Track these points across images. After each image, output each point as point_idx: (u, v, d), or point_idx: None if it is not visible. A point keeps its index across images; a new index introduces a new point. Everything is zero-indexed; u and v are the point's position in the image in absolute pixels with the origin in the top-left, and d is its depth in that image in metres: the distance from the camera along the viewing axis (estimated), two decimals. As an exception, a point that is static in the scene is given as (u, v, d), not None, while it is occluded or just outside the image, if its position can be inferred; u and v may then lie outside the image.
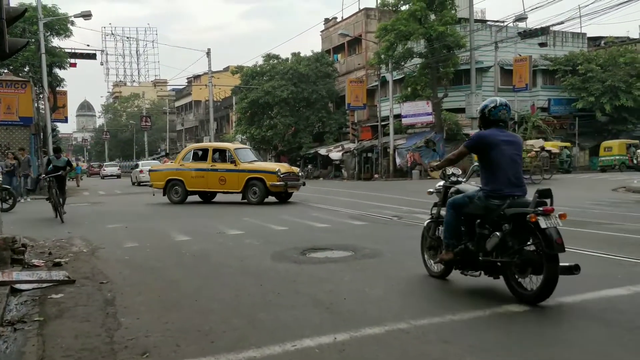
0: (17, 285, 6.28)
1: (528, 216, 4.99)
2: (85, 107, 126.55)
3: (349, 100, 42.36)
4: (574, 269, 5.03)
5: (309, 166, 45.02)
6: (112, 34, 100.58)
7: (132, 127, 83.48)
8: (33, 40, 28.30)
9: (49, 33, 31.87)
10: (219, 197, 18.96)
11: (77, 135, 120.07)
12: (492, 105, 5.56)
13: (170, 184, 18.50)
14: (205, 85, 48.29)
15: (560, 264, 5.00)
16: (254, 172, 17.35)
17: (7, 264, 7.26)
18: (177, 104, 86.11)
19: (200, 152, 18.87)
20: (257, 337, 4.42)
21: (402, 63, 36.00)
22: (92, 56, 32.58)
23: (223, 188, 17.87)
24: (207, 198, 18.96)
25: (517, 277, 5.24)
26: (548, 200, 5.13)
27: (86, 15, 29.51)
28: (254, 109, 46.62)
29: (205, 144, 22.97)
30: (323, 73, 45.91)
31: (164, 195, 18.65)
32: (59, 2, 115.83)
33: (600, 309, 4.95)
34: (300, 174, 18.54)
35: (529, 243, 5.14)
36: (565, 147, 34.55)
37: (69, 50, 32.57)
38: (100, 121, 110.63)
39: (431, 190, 6.60)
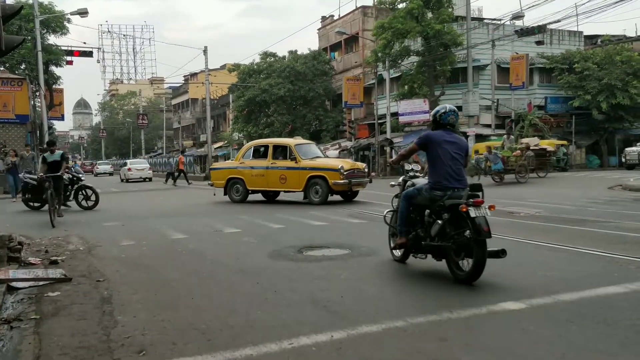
0: (14, 284, 6.27)
1: (460, 206, 5.77)
2: (82, 105, 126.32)
3: (345, 98, 42.36)
4: (500, 253, 5.80)
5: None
6: (109, 31, 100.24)
7: (128, 125, 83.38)
8: (29, 37, 28.26)
9: (45, 30, 31.83)
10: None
11: (74, 133, 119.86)
12: (443, 110, 6.40)
13: (230, 182, 17.67)
14: (202, 83, 48.20)
15: (489, 248, 5.77)
16: (315, 170, 16.04)
17: (3, 262, 7.24)
18: (174, 101, 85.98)
19: (261, 149, 17.58)
20: (254, 335, 4.42)
21: (399, 61, 36.00)
22: (88, 54, 32.49)
23: (284, 187, 16.81)
24: (270, 197, 17.95)
25: (455, 259, 5.98)
26: (480, 194, 5.98)
27: (82, 13, 29.44)
28: (251, 107, 46.58)
29: (265, 140, 21.66)
30: (320, 71, 45.88)
31: (224, 194, 17.82)
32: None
33: (598, 307, 4.95)
34: (365, 170, 17.24)
35: (462, 230, 5.84)
36: (562, 145, 34.57)
37: (66, 48, 32.55)
38: (96, 119, 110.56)
39: (393, 183, 7.45)
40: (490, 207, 5.87)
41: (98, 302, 5.65)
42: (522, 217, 11.70)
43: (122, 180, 40.46)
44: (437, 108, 6.54)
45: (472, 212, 5.69)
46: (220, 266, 7.39)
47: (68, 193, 15.89)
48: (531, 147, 24.83)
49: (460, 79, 37.52)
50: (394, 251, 7.19)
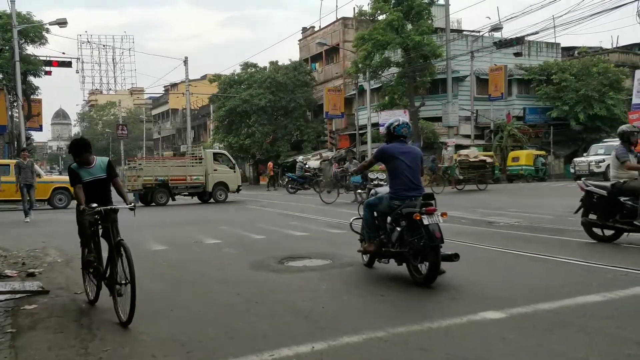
0: (-11, 297, 6.15)
1: (413, 215, 6.14)
2: (61, 116, 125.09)
3: (327, 109, 42.47)
4: (453, 257, 6.16)
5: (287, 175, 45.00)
6: (88, 41, 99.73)
7: (108, 135, 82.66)
8: (7, 47, 27.99)
9: (23, 40, 31.55)
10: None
11: (52, 144, 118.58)
12: (396, 123, 6.80)
13: None
14: (183, 93, 48.11)
15: (443, 252, 6.11)
16: None
17: (-22, 274, 7.11)
18: (154, 112, 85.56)
19: None
20: (235, 347, 4.38)
21: (380, 72, 36.20)
22: (67, 64, 32.23)
23: None
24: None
25: (414, 263, 6.33)
26: (433, 202, 6.31)
27: (61, 23, 29.21)
28: (232, 117, 46.52)
29: None
30: (301, 82, 46.01)
31: None
32: (33, 9, 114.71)
33: (577, 316, 4.99)
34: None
35: (418, 236, 6.16)
36: (540, 155, 34.99)
37: (44, 58, 32.23)
38: (75, 129, 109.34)
39: (359, 191, 8.06)
40: (442, 215, 6.24)
41: (76, 314, 5.57)
42: (502, 226, 11.78)
43: None
44: (390, 121, 6.95)
45: (425, 220, 6.08)
46: (201, 277, 7.33)
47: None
48: (470, 159, 24.82)
49: (440, 89, 37.84)
50: (363, 256, 7.51)
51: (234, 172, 25.16)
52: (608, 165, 28.99)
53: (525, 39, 33.91)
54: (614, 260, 7.33)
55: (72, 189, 6.08)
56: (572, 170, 31.37)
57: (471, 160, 24.78)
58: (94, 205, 5.47)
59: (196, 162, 24.79)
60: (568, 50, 46.65)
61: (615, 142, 32.40)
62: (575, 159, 31.91)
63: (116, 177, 5.95)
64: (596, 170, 29.34)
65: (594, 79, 37.13)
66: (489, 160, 26.58)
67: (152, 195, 22.91)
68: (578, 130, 38.29)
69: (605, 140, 32.17)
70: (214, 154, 25.63)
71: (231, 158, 26.58)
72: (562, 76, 37.65)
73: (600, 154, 30.04)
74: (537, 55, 42.21)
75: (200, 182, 23.78)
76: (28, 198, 15.46)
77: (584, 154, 32.06)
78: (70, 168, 5.78)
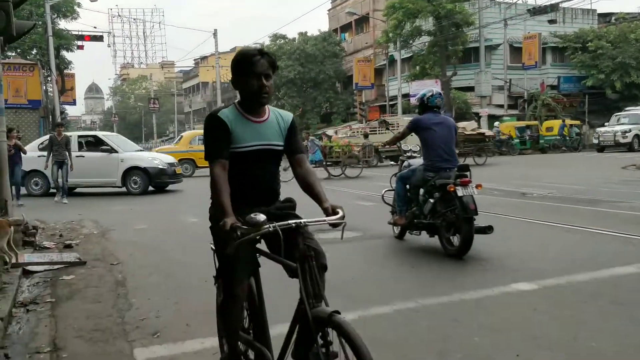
0: (29, 267, 6.34)
1: (448, 186, 6.07)
2: (94, 90, 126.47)
3: (356, 80, 42.18)
4: (487, 229, 6.10)
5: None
6: (119, 15, 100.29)
7: (140, 109, 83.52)
8: (40, 22, 28.28)
9: (55, 15, 31.83)
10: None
11: (86, 117, 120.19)
12: (430, 94, 6.72)
13: None
14: (213, 66, 48.16)
15: (477, 225, 6.04)
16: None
17: (18, 246, 7.32)
18: (185, 85, 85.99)
19: None
20: (267, 315, 4.44)
21: (411, 41, 35.76)
22: (99, 38, 32.54)
23: None
24: None
25: (446, 235, 6.29)
26: (468, 174, 6.27)
27: (92, -2, 29.41)
28: (261, 89, 46.47)
29: None
30: (330, 53, 45.63)
31: None
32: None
33: (611, 287, 4.94)
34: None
35: (452, 208, 6.12)
36: (573, 125, 34.18)
37: (76, 33, 32.54)
38: (108, 103, 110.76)
39: (392, 162, 7.74)
40: (477, 186, 6.19)
41: (112, 285, 5.71)
42: (535, 197, 11.64)
43: None
44: (423, 91, 6.91)
45: (460, 192, 6.02)
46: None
47: None
48: (466, 133, 23.53)
49: (473, 59, 37.22)
50: (394, 227, 7.45)
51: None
52: (635, 135, 28.15)
53: (560, 5, 33.01)
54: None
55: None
56: (595, 141, 29.96)
57: (467, 133, 23.57)
58: (260, 218, 2.52)
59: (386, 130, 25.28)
60: (605, 17, 45.24)
61: (639, 110, 30.68)
62: (598, 129, 30.59)
63: (302, 154, 3.14)
64: (622, 140, 28.16)
65: (631, 45, 36.03)
66: (488, 133, 25.70)
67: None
68: (614, 99, 37.31)
69: (627, 108, 31.07)
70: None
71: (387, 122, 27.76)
72: (599, 43, 36.60)
73: (625, 123, 28.88)
74: (572, 22, 41.05)
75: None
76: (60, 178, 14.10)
77: (605, 124, 30.87)
78: (213, 116, 2.84)
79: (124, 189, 15.57)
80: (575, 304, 4.53)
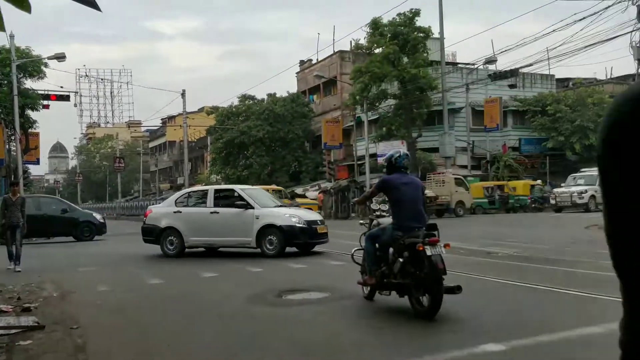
0: (-16, 332, 6.08)
1: (417, 246, 6.06)
2: (58, 149, 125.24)
3: (325, 140, 42.70)
4: (455, 289, 6.08)
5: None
6: (87, 75, 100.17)
7: (105, 168, 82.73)
8: (5, 82, 28.16)
9: (22, 75, 31.71)
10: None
11: (49, 177, 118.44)
12: (397, 155, 6.89)
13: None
14: (180, 125, 48.24)
15: (446, 285, 6.00)
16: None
17: (-27, 310, 7.05)
18: (151, 144, 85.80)
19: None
20: None
21: (377, 104, 36.54)
22: (65, 98, 32.41)
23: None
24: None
25: (416, 295, 6.24)
26: (436, 233, 6.31)
27: (60, 57, 29.42)
28: (229, 149, 46.66)
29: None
30: (299, 113, 46.26)
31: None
32: (32, 44, 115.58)
33: (578, 349, 4.95)
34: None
35: (421, 267, 6.09)
36: (536, 185, 34.94)
37: (42, 92, 32.39)
38: (72, 163, 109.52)
39: (361, 222, 7.87)
40: (445, 246, 6.24)
41: (72, 350, 5.49)
42: (500, 257, 11.74)
43: None
44: (391, 152, 7.08)
45: (428, 251, 6.00)
46: (198, 312, 7.26)
47: None
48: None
49: (437, 121, 38.11)
50: (363, 288, 7.37)
51: (468, 192, 31.28)
52: (591, 196, 28.80)
53: (520, 70, 34.27)
54: (613, 291, 7.27)
55: None
56: (552, 202, 30.76)
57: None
58: None
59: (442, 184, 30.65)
60: (563, 82, 47.11)
61: (594, 171, 31.85)
62: (555, 190, 31.43)
63: None
64: (579, 201, 28.77)
65: (589, 109, 37.46)
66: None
67: None
68: (574, 161, 38.47)
69: (583, 169, 31.96)
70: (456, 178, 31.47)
71: (465, 181, 31.96)
72: (557, 107, 38.00)
73: (582, 184, 29.58)
74: (531, 86, 42.63)
75: (445, 201, 29.52)
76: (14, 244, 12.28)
77: (562, 185, 31.67)
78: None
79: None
80: (544, 365, 4.51)
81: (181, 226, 13.81)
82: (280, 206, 14.91)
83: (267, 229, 13.34)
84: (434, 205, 27.29)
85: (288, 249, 13.38)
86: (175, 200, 14.86)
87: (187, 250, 13.94)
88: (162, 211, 14.72)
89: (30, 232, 16.82)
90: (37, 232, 21.40)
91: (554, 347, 5.00)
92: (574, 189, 29.31)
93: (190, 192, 15.97)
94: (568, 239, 15.24)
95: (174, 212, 14.11)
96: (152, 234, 14.44)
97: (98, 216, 23.11)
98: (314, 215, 14.78)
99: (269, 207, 13.95)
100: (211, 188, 15.23)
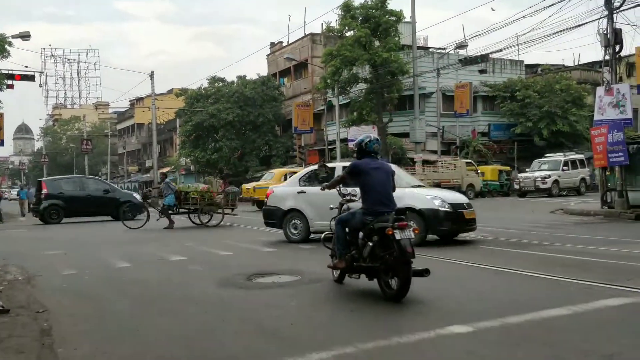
0: (-54, 317, 5.95)
1: (386, 230, 6.12)
2: (23, 130, 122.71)
3: (295, 124, 42.56)
4: (424, 272, 6.18)
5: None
6: (52, 55, 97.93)
7: (72, 150, 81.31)
8: (-32, 60, 27.36)
9: (-15, 54, 30.84)
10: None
11: (14, 158, 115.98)
12: (367, 140, 6.88)
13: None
14: (149, 107, 47.59)
15: (414, 268, 6.08)
16: None
17: None
18: (119, 126, 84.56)
19: None
20: None
21: (348, 88, 36.47)
22: (30, 78, 31.59)
23: None
24: None
25: (385, 279, 6.32)
26: (405, 217, 6.39)
27: (25, 36, 28.68)
28: (199, 132, 46.19)
29: None
30: (269, 96, 45.95)
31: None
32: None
33: (543, 330, 5.04)
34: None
35: (390, 251, 6.15)
36: (503, 170, 35.53)
37: (7, 72, 31.56)
38: (38, 144, 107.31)
39: (332, 206, 7.73)
40: (414, 230, 6.36)
41: (37, 334, 5.41)
42: (468, 241, 11.89)
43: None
44: (361, 137, 7.04)
45: (397, 235, 6.07)
46: (166, 295, 7.21)
47: None
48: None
49: (407, 106, 38.24)
50: (333, 271, 7.42)
51: (478, 175, 32.60)
52: (555, 181, 29.47)
53: (490, 56, 34.51)
54: (577, 274, 7.45)
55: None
56: (516, 187, 31.47)
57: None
58: None
59: (453, 168, 32.03)
60: (531, 68, 47.69)
61: (558, 156, 32.77)
62: (520, 175, 32.11)
63: None
64: (542, 186, 29.44)
65: (556, 95, 37.99)
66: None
67: None
68: (542, 146, 39.08)
69: (547, 155, 32.58)
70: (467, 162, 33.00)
71: (475, 165, 33.54)
72: (526, 93, 38.45)
73: (545, 169, 30.20)
74: (501, 72, 43.05)
75: (457, 184, 29.91)
76: None
77: (526, 170, 32.36)
78: None
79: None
80: (509, 347, 4.60)
81: (306, 208, 12.20)
82: (419, 186, 12.46)
83: (406, 213, 10.37)
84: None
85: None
86: (300, 179, 12.95)
87: (311, 236, 12.20)
88: (284, 191, 13.13)
89: (74, 212, 16.84)
90: (81, 213, 21.34)
91: (519, 328, 5.09)
92: (537, 173, 29.86)
93: (315, 168, 13.03)
94: (534, 223, 15.54)
95: (298, 192, 12.45)
96: (273, 216, 12.88)
97: (137, 196, 23.48)
98: (459, 197, 12.30)
99: (403, 188, 10.71)
100: (339, 164, 12.77)
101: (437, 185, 28.77)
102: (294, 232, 12.47)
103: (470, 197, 29.35)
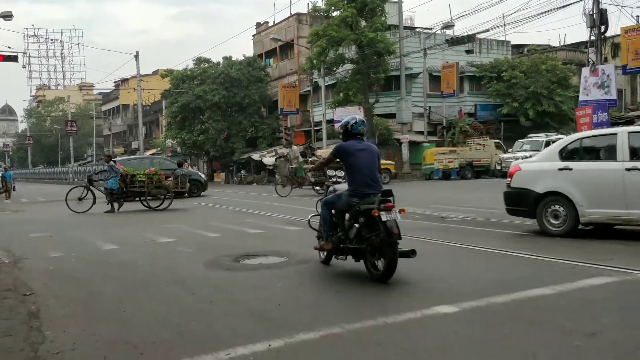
0: None
1: (372, 211, 6.17)
2: (7, 112, 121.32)
3: (281, 105, 42.42)
4: (410, 253, 6.25)
5: (242, 172, 44.59)
6: (35, 35, 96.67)
7: (56, 132, 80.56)
8: (-52, 40, 26.88)
9: (-34, 33, 30.34)
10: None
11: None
12: (353, 121, 6.85)
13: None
14: (134, 88, 47.17)
15: (400, 249, 6.17)
16: None
17: None
18: (104, 108, 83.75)
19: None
20: (189, 347, 4.33)
21: (334, 69, 36.34)
22: (13, 58, 31.14)
23: None
24: None
25: (371, 260, 6.38)
26: (391, 199, 6.42)
27: (7, 16, 28.24)
28: (185, 113, 45.87)
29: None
30: (255, 77, 45.64)
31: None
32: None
33: (528, 309, 5.12)
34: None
35: (376, 232, 6.19)
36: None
37: (-12, 52, 31.10)
38: (22, 126, 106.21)
39: (317, 188, 7.70)
40: (400, 211, 6.34)
41: (25, 317, 5.41)
42: (454, 221, 11.98)
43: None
44: (346, 119, 7.01)
45: (384, 216, 6.12)
46: (154, 277, 7.22)
47: None
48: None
49: (394, 86, 38.23)
50: (320, 253, 7.47)
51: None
52: None
53: (477, 36, 34.55)
54: (561, 254, 7.55)
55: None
56: (498, 167, 31.41)
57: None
58: None
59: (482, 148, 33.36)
60: (518, 48, 47.73)
61: (540, 137, 32.95)
62: (501, 155, 32.07)
63: None
64: None
65: (542, 76, 38.11)
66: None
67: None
68: (528, 127, 39.24)
69: (530, 135, 32.62)
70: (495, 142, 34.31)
71: (502, 145, 34.82)
72: (512, 73, 38.53)
73: (527, 150, 30.20)
74: (488, 52, 43.05)
75: (487, 163, 32.53)
76: None
77: (509, 150, 32.41)
78: None
79: None
80: (494, 327, 4.66)
81: (573, 191, 9.10)
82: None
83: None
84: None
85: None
86: (561, 151, 9.65)
87: (580, 227, 9.36)
88: (537, 168, 9.91)
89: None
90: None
91: (504, 307, 5.16)
92: (519, 154, 29.81)
93: (585, 136, 10.08)
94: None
95: (559, 169, 9.37)
96: (522, 202, 9.89)
97: (202, 175, 26.69)
98: None
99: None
100: (622, 131, 9.09)
101: (470, 164, 32.65)
102: (554, 222, 9.40)
103: (499, 175, 29.86)
